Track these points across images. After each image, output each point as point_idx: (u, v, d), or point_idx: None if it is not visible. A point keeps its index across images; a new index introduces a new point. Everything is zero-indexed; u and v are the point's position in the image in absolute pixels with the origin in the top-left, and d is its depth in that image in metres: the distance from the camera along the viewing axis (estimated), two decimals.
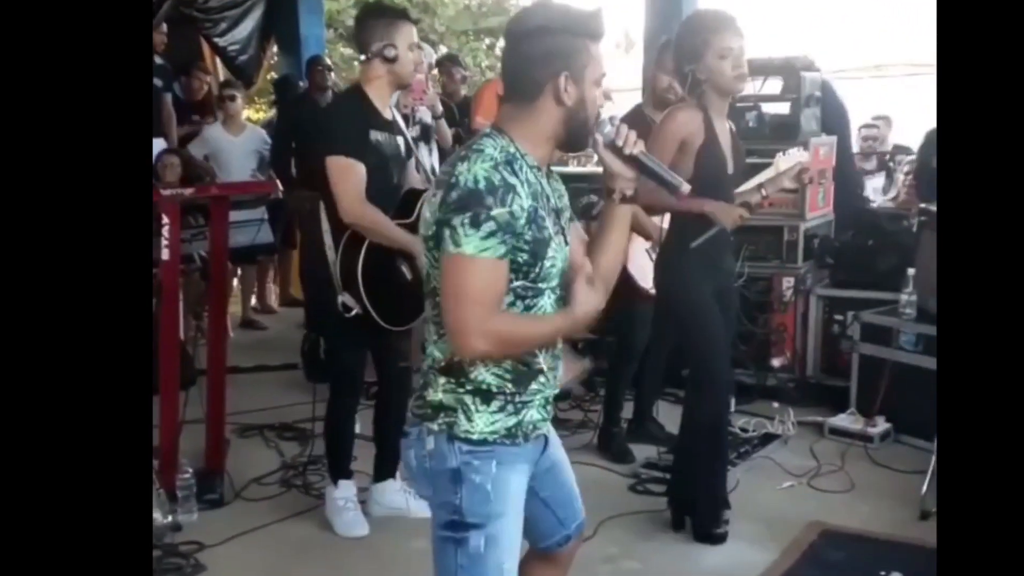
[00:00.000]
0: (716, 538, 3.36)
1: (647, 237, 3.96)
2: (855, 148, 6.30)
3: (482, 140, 1.84)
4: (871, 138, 7.00)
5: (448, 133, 5.31)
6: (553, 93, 1.82)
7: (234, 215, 3.90)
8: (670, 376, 4.43)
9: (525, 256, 1.80)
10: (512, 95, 1.87)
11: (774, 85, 4.98)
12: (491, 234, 1.73)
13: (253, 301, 7.12)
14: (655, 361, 4.27)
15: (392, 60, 3.25)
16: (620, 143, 1.90)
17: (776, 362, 4.93)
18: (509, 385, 1.87)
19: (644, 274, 4.04)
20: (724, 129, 3.27)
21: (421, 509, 3.50)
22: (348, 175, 3.16)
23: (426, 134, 5.13)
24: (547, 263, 1.83)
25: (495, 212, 1.73)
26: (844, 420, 4.39)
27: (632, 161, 1.92)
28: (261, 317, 6.99)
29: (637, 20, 6.57)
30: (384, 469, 3.61)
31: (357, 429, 3.71)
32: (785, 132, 4.66)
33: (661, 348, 4.21)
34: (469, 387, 1.86)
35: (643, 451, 4.18)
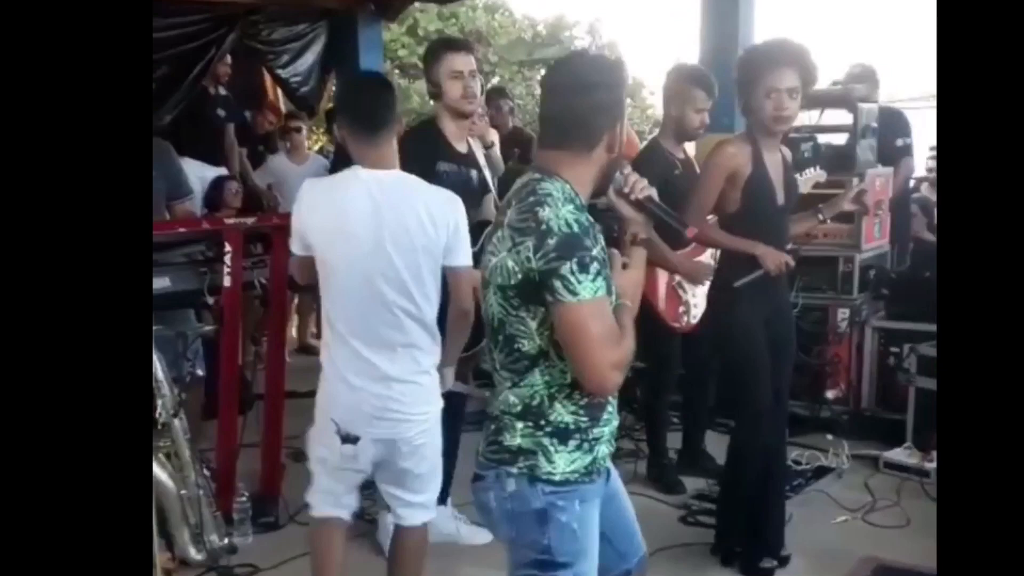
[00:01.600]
0: (762, 573, 3.34)
1: (671, 271, 3.98)
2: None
3: (543, 184, 1.89)
4: (934, 169, 6.91)
5: (501, 164, 5.37)
6: (608, 142, 1.93)
7: None
8: (723, 407, 4.41)
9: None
10: (566, 142, 1.93)
11: (834, 115, 4.97)
12: (598, 274, 1.80)
13: (311, 327, 7.23)
14: (703, 392, 4.28)
15: (437, 96, 3.31)
16: (627, 189, 1.99)
17: (830, 394, 4.88)
18: (584, 420, 1.93)
19: (670, 307, 4.07)
20: (775, 161, 3.28)
21: (472, 536, 3.54)
22: None
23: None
24: (614, 299, 1.90)
25: (595, 252, 1.81)
26: (900, 454, 4.33)
27: (639, 206, 2.02)
28: (318, 342, 7.08)
29: (691, 47, 6.57)
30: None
31: None
32: (841, 163, 4.63)
33: (709, 379, 4.21)
34: (548, 429, 1.91)
35: (694, 483, 4.16)
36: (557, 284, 1.78)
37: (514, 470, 1.92)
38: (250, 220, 3.73)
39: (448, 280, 2.68)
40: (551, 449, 1.91)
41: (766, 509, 3.39)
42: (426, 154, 3.28)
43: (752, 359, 3.27)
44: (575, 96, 1.91)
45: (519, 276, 1.82)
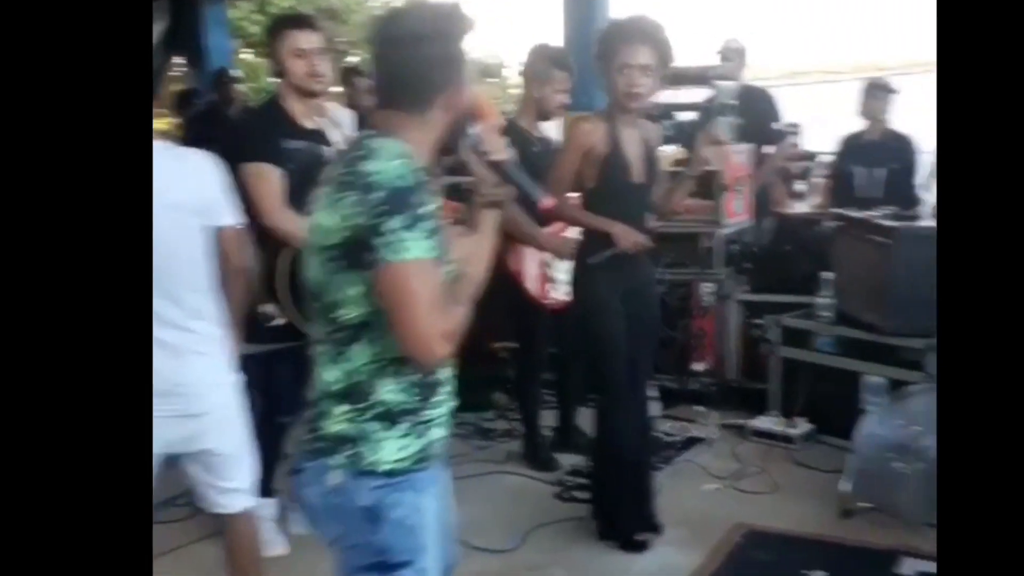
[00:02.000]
0: (636, 545, 3.35)
1: (537, 247, 3.95)
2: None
3: (374, 140, 1.69)
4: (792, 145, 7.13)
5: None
6: (446, 101, 1.73)
7: None
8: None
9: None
10: (398, 101, 1.74)
11: (695, 93, 5.04)
12: (429, 234, 1.61)
13: None
14: (576, 370, 4.27)
15: (280, 74, 3.21)
16: (484, 148, 1.82)
17: (698, 366, 4.97)
18: (414, 400, 1.72)
19: (538, 284, 4.05)
20: (633, 138, 3.28)
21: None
22: (265, 180, 3.11)
23: None
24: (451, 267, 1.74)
25: (421, 211, 1.60)
26: (766, 422, 4.43)
27: (496, 167, 1.84)
28: None
29: (556, 27, 6.58)
30: None
31: None
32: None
33: (579, 356, 4.20)
34: (372, 412, 1.69)
35: (569, 459, 4.15)
36: (381, 241, 1.57)
37: (335, 461, 1.69)
38: None
39: (219, 241, 2.56)
40: (376, 436, 1.69)
41: (633, 481, 3.40)
42: (270, 132, 3.19)
43: (606, 335, 3.27)
44: (405, 50, 1.70)
45: (341, 234, 1.62)
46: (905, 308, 3.95)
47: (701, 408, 4.65)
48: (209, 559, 3.32)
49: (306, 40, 3.22)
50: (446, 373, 1.79)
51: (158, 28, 7.94)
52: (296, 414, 3.43)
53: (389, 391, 1.70)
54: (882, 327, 4.02)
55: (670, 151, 3.90)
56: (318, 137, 3.28)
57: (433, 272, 1.62)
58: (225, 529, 2.75)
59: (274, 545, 3.36)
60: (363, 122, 6.04)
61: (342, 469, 1.69)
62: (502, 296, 4.13)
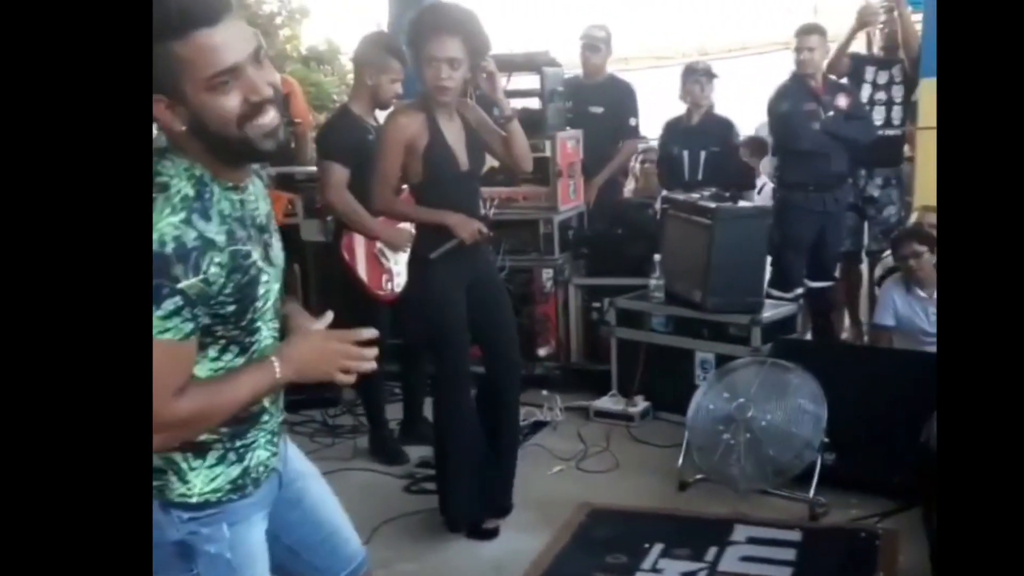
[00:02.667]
0: (484, 533, 3.41)
1: (371, 237, 3.95)
2: None
3: (161, 164, 1.45)
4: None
5: None
6: (160, 123, 1.46)
7: None
8: None
9: (232, 308, 1.50)
10: None
11: (523, 80, 5.11)
12: (175, 312, 1.40)
13: None
14: (417, 360, 4.28)
15: None
16: None
17: (542, 351, 5.08)
18: (225, 437, 1.60)
19: (373, 275, 4.05)
20: (455, 127, 3.25)
21: None
22: None
23: None
24: (259, 303, 1.56)
25: (183, 284, 1.40)
26: (607, 402, 4.58)
27: None
28: None
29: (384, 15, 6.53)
30: None
31: None
32: (531, 126, 4.77)
33: (422, 347, 4.22)
34: (172, 453, 1.55)
35: (417, 451, 4.17)
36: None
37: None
38: None
39: None
40: (184, 466, 1.55)
41: (487, 469, 3.43)
42: None
43: (447, 327, 3.27)
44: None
45: None
46: (727, 286, 4.16)
47: (546, 392, 4.75)
48: None
49: None
50: (271, 399, 1.67)
51: None
52: None
53: None
54: (707, 305, 4.22)
55: None
56: None
57: (168, 356, 1.42)
58: None
59: None
60: None
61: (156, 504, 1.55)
62: (338, 287, 4.11)
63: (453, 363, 3.30)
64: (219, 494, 1.59)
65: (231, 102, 1.43)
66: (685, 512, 3.54)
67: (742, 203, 4.39)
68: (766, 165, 5.93)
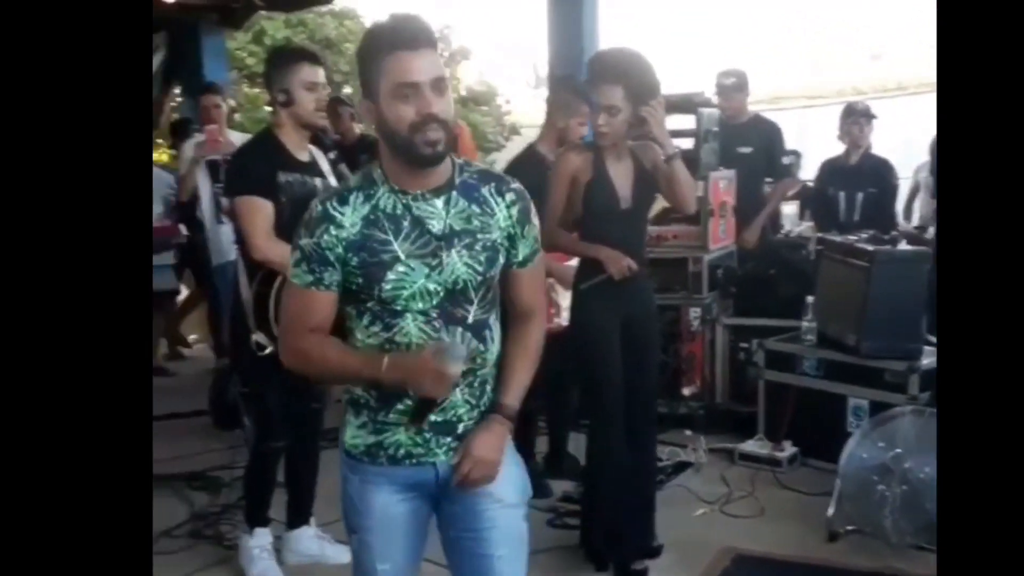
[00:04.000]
0: (634, 574, 3.38)
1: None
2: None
3: (364, 168, 1.94)
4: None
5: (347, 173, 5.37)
6: (366, 120, 1.96)
7: None
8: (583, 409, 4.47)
9: (359, 281, 1.84)
10: None
11: (677, 120, 5.12)
12: (297, 263, 1.86)
13: (163, 347, 6.97)
14: (565, 394, 4.32)
15: (287, 104, 3.25)
16: None
17: (687, 391, 5.04)
18: (372, 399, 1.92)
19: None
20: (622, 166, 3.33)
21: (337, 555, 3.47)
22: (256, 212, 3.17)
23: None
24: (387, 286, 1.83)
25: (302, 242, 1.84)
26: (753, 446, 4.50)
27: None
28: (172, 364, 6.84)
29: (541, 57, 6.68)
30: (297, 515, 3.56)
31: None
32: (686, 167, 4.77)
33: (571, 381, 4.25)
34: (348, 396, 1.96)
35: (560, 485, 4.20)
36: None
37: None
38: None
39: None
40: (348, 419, 1.97)
41: (633, 508, 3.42)
42: (263, 164, 3.24)
43: (600, 361, 3.32)
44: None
45: None
46: (884, 331, 4.04)
47: (689, 432, 4.70)
48: None
49: (316, 75, 3.28)
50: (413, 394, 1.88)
51: (157, 59, 8.04)
52: (286, 441, 3.55)
53: (355, 387, 1.95)
54: (862, 349, 4.10)
55: None
56: (311, 169, 3.35)
57: (295, 297, 1.89)
58: None
59: (270, 574, 3.41)
60: (349, 151, 6.16)
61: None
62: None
63: (606, 398, 3.32)
64: (355, 450, 1.96)
65: (407, 111, 1.78)
66: (835, 563, 3.44)
67: (901, 246, 4.25)
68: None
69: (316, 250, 1.83)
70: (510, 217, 1.91)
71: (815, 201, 5.55)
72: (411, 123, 1.77)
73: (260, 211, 3.18)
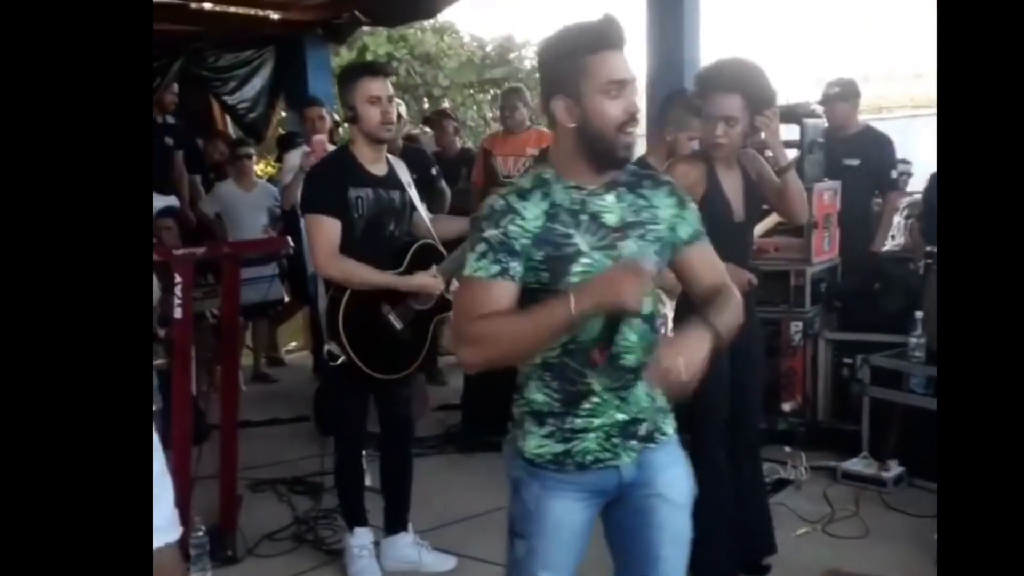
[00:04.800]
0: None
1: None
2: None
3: (526, 175, 1.98)
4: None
5: (444, 187, 5.63)
6: (561, 112, 1.89)
7: (245, 272, 3.94)
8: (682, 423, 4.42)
9: (545, 276, 1.87)
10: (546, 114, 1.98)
11: (784, 130, 5.02)
12: (482, 255, 1.85)
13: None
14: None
15: (354, 120, 3.31)
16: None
17: (787, 406, 4.92)
18: (557, 405, 1.93)
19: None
20: (733, 177, 3.28)
21: (435, 563, 3.52)
22: (320, 230, 3.26)
23: None
24: (574, 279, 1.85)
25: (487, 234, 1.85)
26: (857, 464, 4.38)
27: None
28: (272, 371, 7.02)
29: (640, 66, 6.64)
30: (394, 521, 3.61)
31: (368, 482, 3.73)
32: None
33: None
34: (527, 408, 1.97)
35: None
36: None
37: (509, 436, 2.02)
38: (200, 250, 3.68)
39: None
40: (528, 428, 1.97)
41: (736, 528, 3.33)
42: (334, 181, 3.30)
43: (710, 382, 3.24)
44: (539, 69, 2.01)
45: None
46: None
47: (790, 449, 4.60)
48: None
49: (380, 88, 3.31)
50: (605, 383, 1.93)
51: (265, 73, 8.30)
52: (365, 446, 3.62)
53: (536, 392, 1.95)
54: None
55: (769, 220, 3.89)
56: (387, 182, 3.40)
57: (477, 289, 1.86)
58: None
59: (365, 574, 3.47)
60: (450, 164, 6.25)
61: (510, 443, 2.03)
62: None
63: (709, 416, 3.25)
64: (541, 459, 1.96)
65: (616, 108, 1.85)
66: None
67: None
68: None
69: (504, 239, 1.84)
70: (670, 206, 2.00)
71: (924, 214, 5.38)
72: (619, 122, 1.85)
73: (324, 229, 3.25)
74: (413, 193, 3.50)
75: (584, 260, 1.87)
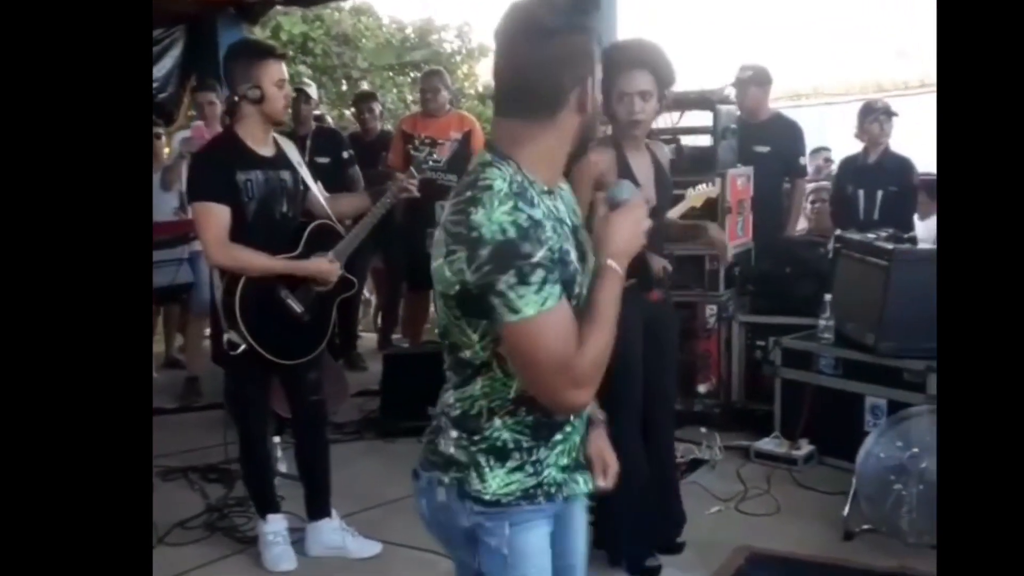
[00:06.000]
0: (648, 571, 3.37)
1: None
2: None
3: (486, 173, 1.59)
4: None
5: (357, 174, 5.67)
6: (578, 101, 1.62)
7: (155, 255, 3.84)
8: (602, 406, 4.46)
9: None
10: (521, 108, 1.62)
11: (696, 117, 5.10)
12: (543, 283, 1.52)
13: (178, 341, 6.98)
14: None
15: (259, 100, 3.25)
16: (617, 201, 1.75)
17: (702, 388, 5.02)
18: (527, 440, 1.68)
19: None
20: (643, 162, 3.29)
21: (359, 549, 3.49)
22: (209, 218, 3.20)
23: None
24: (577, 289, 1.66)
25: (537, 258, 1.51)
26: (769, 444, 4.47)
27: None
28: (183, 357, 6.84)
29: None
30: (316, 507, 3.57)
31: (283, 469, 3.68)
32: (703, 164, 4.77)
33: None
34: (483, 445, 1.68)
35: None
36: (496, 302, 1.52)
37: (446, 479, 1.70)
38: None
39: None
40: (485, 466, 1.68)
41: (651, 506, 3.40)
42: (220, 167, 3.24)
43: (627, 357, 3.28)
44: (529, 46, 1.58)
45: (456, 288, 1.57)
46: (903, 330, 4.01)
47: (705, 430, 4.68)
48: None
49: (284, 71, 3.31)
50: (562, 418, 1.73)
51: (175, 53, 8.07)
52: (267, 430, 3.56)
53: (500, 429, 1.67)
54: (880, 348, 4.08)
55: (701, 189, 3.95)
56: (277, 163, 3.35)
57: (558, 323, 1.54)
58: None
59: (281, 560, 3.42)
60: (370, 147, 6.17)
61: (450, 488, 1.70)
62: None
63: (627, 395, 3.28)
64: (510, 497, 1.68)
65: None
66: (851, 563, 3.42)
67: (921, 245, 4.22)
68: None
69: (552, 256, 1.54)
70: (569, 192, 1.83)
71: (834, 199, 5.51)
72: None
73: (214, 216, 3.19)
74: (305, 172, 3.45)
75: (579, 279, 1.67)
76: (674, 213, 3.62)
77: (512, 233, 1.51)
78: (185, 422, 5.27)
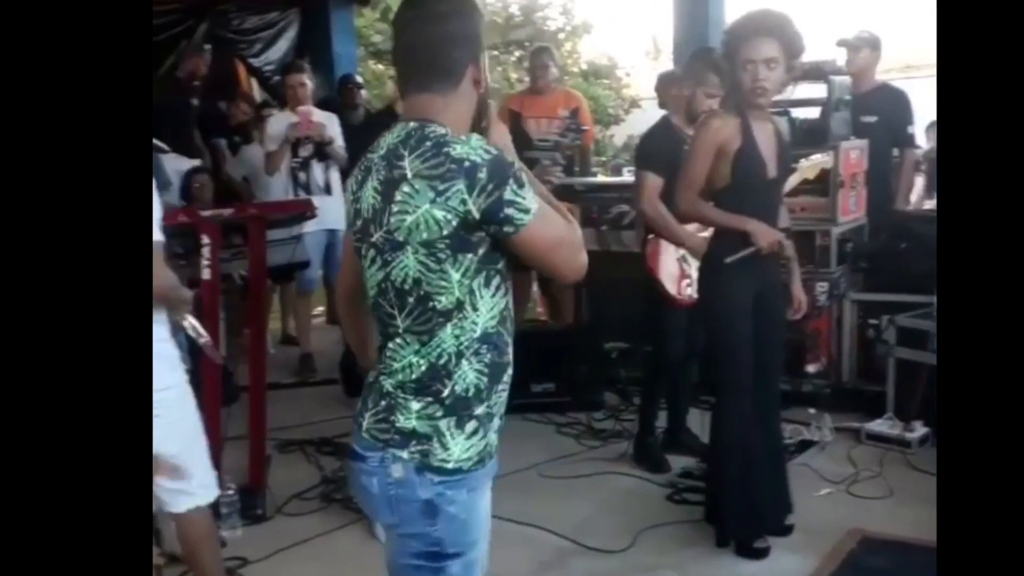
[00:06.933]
0: (756, 553, 3.34)
1: (678, 244, 3.97)
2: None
3: (429, 128, 1.75)
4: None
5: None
6: (472, 76, 1.82)
7: (272, 234, 3.97)
8: (706, 384, 4.43)
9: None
10: (428, 82, 1.80)
11: (808, 89, 4.97)
12: (526, 181, 1.74)
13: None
14: (688, 370, 4.29)
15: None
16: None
17: (812, 368, 4.92)
18: (484, 382, 1.78)
19: (674, 282, 4.07)
20: (766, 133, 3.23)
21: None
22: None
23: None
24: None
25: (518, 166, 1.76)
26: (881, 425, 4.37)
27: None
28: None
29: (665, 27, 6.56)
30: None
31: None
32: (815, 136, 4.65)
33: (694, 356, 4.22)
34: (446, 406, 1.77)
35: (679, 461, 4.19)
36: (509, 211, 1.67)
37: (404, 455, 1.76)
38: (227, 212, 3.71)
39: None
40: (447, 434, 1.77)
41: (761, 487, 3.36)
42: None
43: (735, 335, 3.24)
44: (428, 28, 1.79)
45: (453, 224, 1.67)
46: None
47: (814, 411, 4.60)
48: (337, 550, 3.52)
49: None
50: (509, 359, 1.86)
51: (290, 35, 8.28)
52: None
53: (467, 371, 1.77)
54: None
55: (815, 159, 3.87)
56: None
57: (546, 208, 1.76)
58: (178, 532, 2.79)
59: None
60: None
61: (408, 463, 1.77)
62: (638, 292, 4.18)
63: (737, 373, 3.25)
64: (470, 463, 1.80)
65: None
66: None
67: None
68: None
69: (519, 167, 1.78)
70: None
71: (930, 171, 5.30)
72: None
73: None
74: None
75: None
76: (785, 186, 3.55)
77: (493, 151, 1.72)
78: (300, 396, 5.46)
